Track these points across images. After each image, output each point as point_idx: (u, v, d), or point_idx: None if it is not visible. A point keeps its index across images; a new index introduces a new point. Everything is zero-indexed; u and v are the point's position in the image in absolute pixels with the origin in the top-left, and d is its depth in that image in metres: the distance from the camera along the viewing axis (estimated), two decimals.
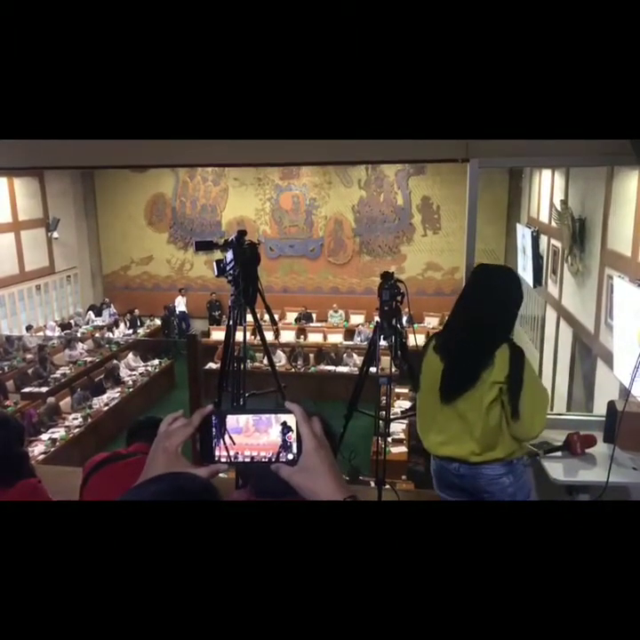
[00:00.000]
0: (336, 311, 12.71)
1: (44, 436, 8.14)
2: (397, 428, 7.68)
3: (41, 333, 11.61)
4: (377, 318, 3.33)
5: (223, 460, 0.91)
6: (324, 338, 12.09)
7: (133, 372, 10.77)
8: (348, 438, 3.39)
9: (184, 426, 0.91)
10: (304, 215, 12.97)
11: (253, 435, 0.91)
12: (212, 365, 9.61)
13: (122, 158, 3.50)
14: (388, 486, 3.24)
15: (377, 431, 3.55)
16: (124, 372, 10.62)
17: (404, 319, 3.27)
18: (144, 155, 3.42)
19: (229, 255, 3.12)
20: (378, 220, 12.67)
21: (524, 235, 8.49)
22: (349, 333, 12.12)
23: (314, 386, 10.03)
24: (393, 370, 3.30)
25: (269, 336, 3.80)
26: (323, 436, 0.90)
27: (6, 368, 10.17)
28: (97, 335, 12.15)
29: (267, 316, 3.52)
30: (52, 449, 7.85)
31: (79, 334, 12.00)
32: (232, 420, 0.91)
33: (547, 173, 8.60)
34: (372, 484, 4.09)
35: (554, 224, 7.59)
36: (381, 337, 3.22)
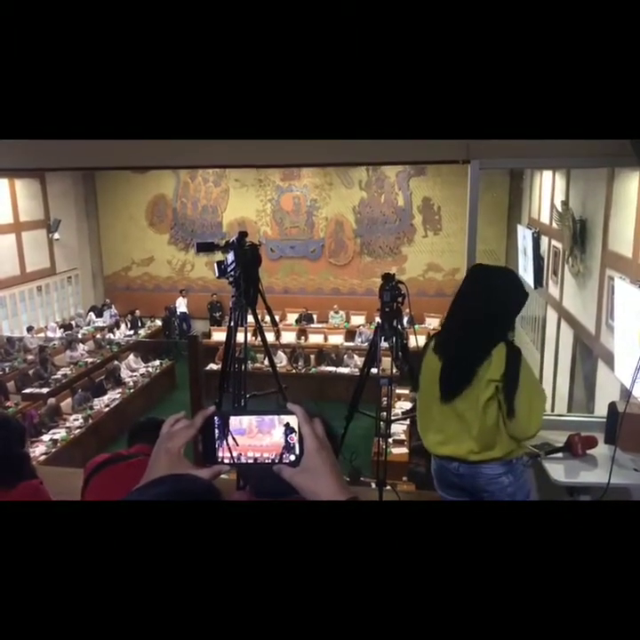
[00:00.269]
0: (337, 312, 12.70)
1: (45, 437, 8.16)
2: (398, 429, 7.67)
3: (42, 334, 11.60)
4: (378, 319, 3.33)
5: (226, 461, 0.91)
6: (325, 339, 12.09)
7: (134, 373, 10.78)
8: (348, 439, 3.40)
9: (186, 427, 0.91)
10: (305, 216, 12.97)
11: (256, 436, 0.91)
12: (213, 366, 9.63)
13: (123, 159, 3.52)
14: (388, 487, 3.24)
15: (378, 432, 3.56)
16: (124, 373, 10.63)
17: (405, 320, 3.28)
18: (145, 156, 3.42)
19: (230, 256, 3.12)
20: (379, 221, 12.65)
21: (524, 236, 8.47)
22: (350, 334, 12.11)
23: (314, 387, 10.02)
24: (394, 371, 3.30)
25: (270, 337, 3.81)
26: (324, 438, 0.90)
27: (7, 369, 10.17)
28: (98, 336, 12.16)
29: (268, 317, 3.53)
30: (53, 450, 7.87)
31: (80, 335, 11.99)
32: (235, 422, 0.91)
33: (547, 174, 8.59)
34: (373, 485, 4.08)
35: (555, 225, 7.58)
36: (382, 338, 3.23)
